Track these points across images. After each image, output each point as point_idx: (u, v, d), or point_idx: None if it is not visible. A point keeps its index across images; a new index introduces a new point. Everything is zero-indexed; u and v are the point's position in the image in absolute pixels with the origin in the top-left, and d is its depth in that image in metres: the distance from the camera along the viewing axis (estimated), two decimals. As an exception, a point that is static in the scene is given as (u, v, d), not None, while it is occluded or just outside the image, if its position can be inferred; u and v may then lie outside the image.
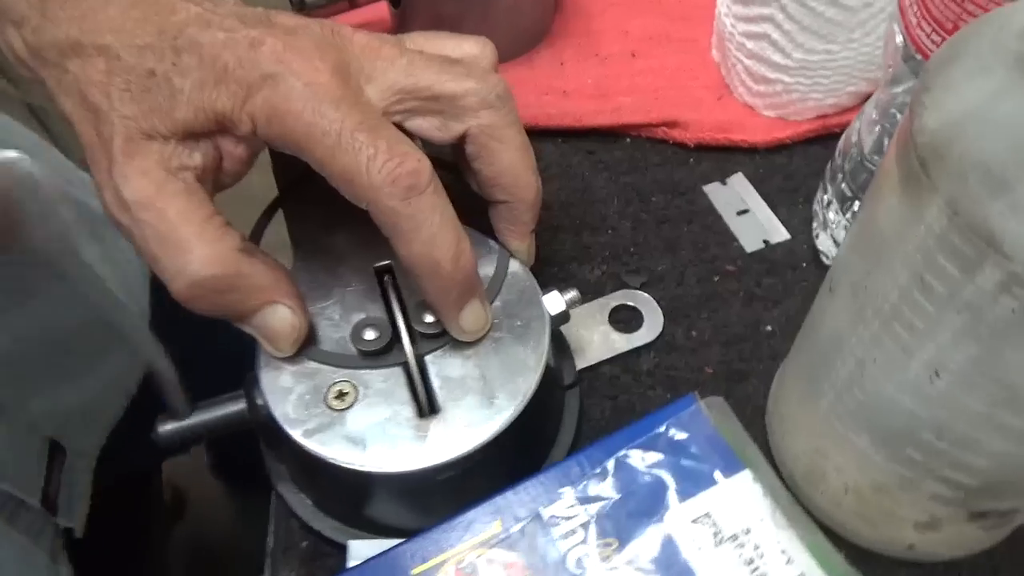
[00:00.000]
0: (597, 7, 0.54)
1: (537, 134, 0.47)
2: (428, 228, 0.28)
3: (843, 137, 0.39)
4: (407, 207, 0.28)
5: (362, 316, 0.32)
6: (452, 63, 0.32)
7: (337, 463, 0.29)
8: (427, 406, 0.30)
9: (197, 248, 0.27)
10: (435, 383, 0.31)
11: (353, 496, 0.32)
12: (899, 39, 0.30)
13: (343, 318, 0.32)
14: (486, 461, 0.31)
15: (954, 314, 0.20)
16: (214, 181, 0.30)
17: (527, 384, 0.31)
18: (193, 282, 0.27)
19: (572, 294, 0.34)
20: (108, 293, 0.38)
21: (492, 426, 0.30)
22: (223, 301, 0.28)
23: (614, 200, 0.45)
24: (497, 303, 0.33)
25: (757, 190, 0.44)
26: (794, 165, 0.46)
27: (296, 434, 0.29)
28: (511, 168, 0.32)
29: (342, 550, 0.32)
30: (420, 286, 0.30)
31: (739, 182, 0.45)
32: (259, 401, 0.30)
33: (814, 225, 0.42)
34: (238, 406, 0.31)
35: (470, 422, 0.30)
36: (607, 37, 0.52)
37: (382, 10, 0.51)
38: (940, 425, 0.23)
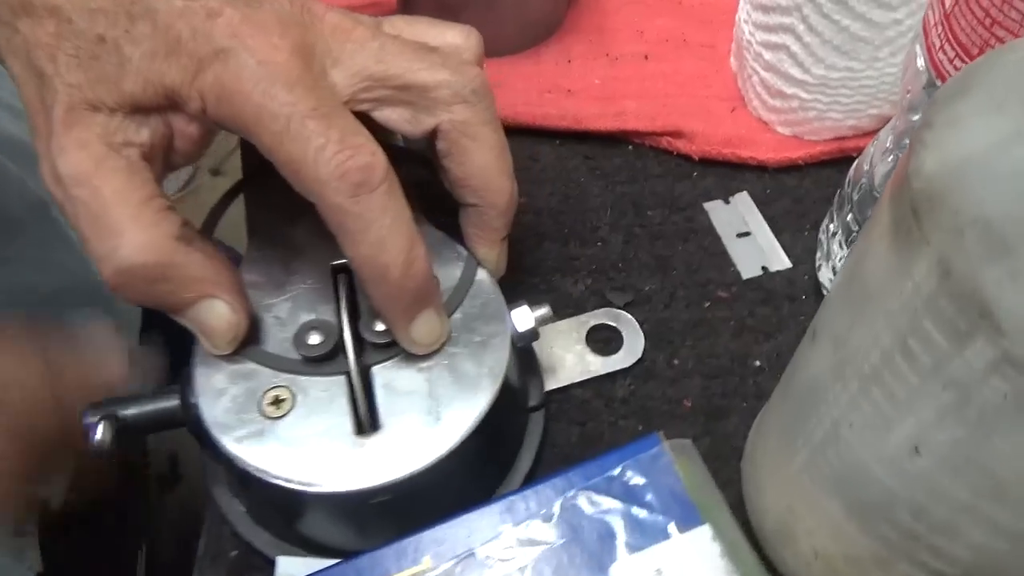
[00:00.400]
0: (613, 4, 0.51)
1: (535, 134, 0.45)
2: (376, 230, 0.26)
3: (855, 163, 0.36)
4: (355, 205, 0.25)
5: (311, 317, 0.30)
6: (428, 51, 0.29)
7: (265, 477, 0.27)
8: (367, 422, 0.28)
9: (129, 232, 0.25)
10: (379, 397, 0.28)
11: (283, 510, 0.30)
12: (920, 62, 0.27)
13: (291, 318, 0.30)
14: (428, 486, 0.29)
15: (938, 389, 0.17)
16: (164, 160, 0.28)
17: (479, 405, 0.28)
18: (120, 269, 0.25)
19: (543, 311, 0.32)
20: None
21: (435, 449, 0.27)
22: (154, 291, 0.26)
23: (608, 210, 0.42)
24: (457, 315, 0.30)
25: (762, 212, 0.41)
26: (804, 188, 0.43)
27: (225, 440, 0.27)
28: (483, 169, 0.30)
29: (271, 564, 0.30)
30: (367, 292, 0.27)
31: (743, 202, 0.42)
32: (192, 400, 0.28)
33: (818, 255, 0.39)
34: (171, 403, 0.29)
35: (412, 443, 0.27)
36: (621, 36, 0.49)
37: (387, -8, 0.49)
38: (918, 507, 0.20)
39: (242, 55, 0.25)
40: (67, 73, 0.26)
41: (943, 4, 0.25)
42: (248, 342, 0.29)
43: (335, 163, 0.25)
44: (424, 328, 0.28)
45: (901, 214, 0.17)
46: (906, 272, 0.17)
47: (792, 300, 0.38)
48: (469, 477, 0.31)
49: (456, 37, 0.31)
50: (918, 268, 0.17)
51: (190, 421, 0.29)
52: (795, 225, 0.41)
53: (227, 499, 0.32)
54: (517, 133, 0.45)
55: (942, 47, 0.26)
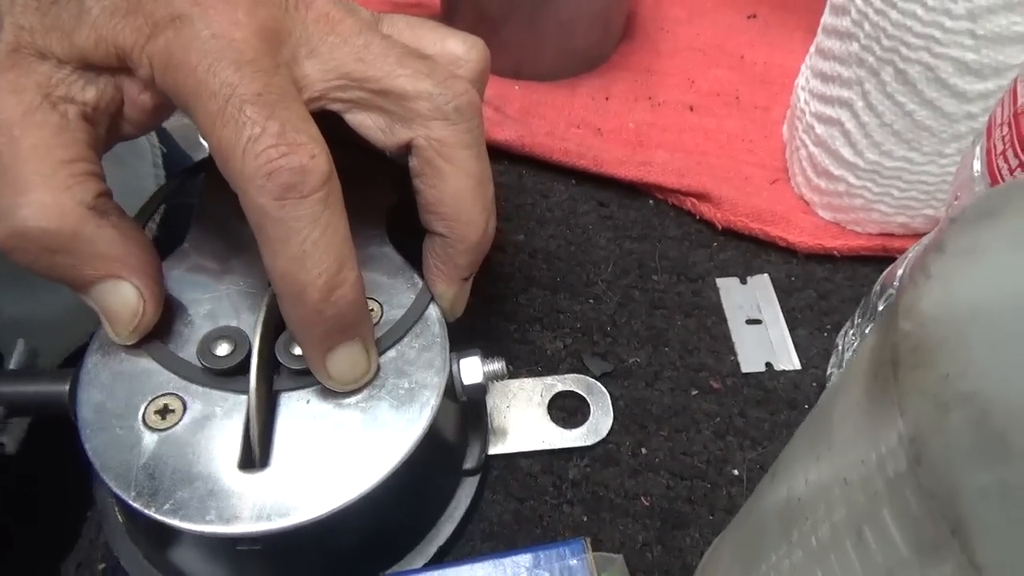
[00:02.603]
0: (669, 46, 0.47)
1: (550, 168, 0.41)
2: (299, 243, 0.22)
3: (889, 268, 0.31)
4: (279, 209, 0.22)
5: (230, 324, 0.27)
6: (416, 57, 0.26)
7: (122, 494, 0.23)
8: (256, 456, 0.24)
9: (36, 192, 0.22)
10: (279, 430, 0.25)
11: (147, 534, 0.27)
12: (976, 165, 0.23)
13: (209, 319, 0.27)
14: (308, 543, 0.25)
15: (891, 602, 0.13)
16: (111, 126, 0.25)
17: (387, 462, 0.24)
18: (15, 231, 0.22)
19: (496, 366, 0.28)
20: None
21: (322, 505, 0.23)
22: (53, 262, 0.23)
23: (610, 266, 0.38)
24: (392, 353, 0.27)
25: (780, 300, 0.37)
26: (834, 283, 0.38)
27: (92, 443, 0.24)
28: (455, 197, 0.26)
29: (135, 587, 0.27)
30: (282, 311, 0.24)
31: (762, 285, 0.37)
32: (74, 390, 0.25)
33: (831, 361, 0.34)
34: (59, 387, 0.26)
35: (299, 491, 0.24)
36: (668, 82, 0.45)
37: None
38: None
39: (197, 24, 0.22)
40: (21, 14, 0.23)
41: (1014, 100, 0.21)
42: (155, 337, 0.26)
43: (264, 158, 0.22)
44: (343, 363, 0.25)
45: (881, 357, 0.13)
46: (873, 438, 0.13)
47: (793, 407, 0.34)
48: (365, 539, 0.27)
49: (456, 46, 0.28)
50: (886, 438, 0.12)
51: (71, 412, 0.26)
52: (815, 322, 0.36)
53: (108, 505, 0.29)
54: (532, 164, 0.42)
55: (1004, 152, 0.21)
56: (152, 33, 0.23)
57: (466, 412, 0.31)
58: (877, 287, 0.31)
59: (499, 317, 0.36)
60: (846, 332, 0.33)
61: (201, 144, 0.30)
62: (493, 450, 0.31)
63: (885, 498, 0.12)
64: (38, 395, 0.26)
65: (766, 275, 0.38)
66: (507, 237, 0.39)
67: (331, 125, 0.24)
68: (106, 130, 0.25)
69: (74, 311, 0.39)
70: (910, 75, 0.31)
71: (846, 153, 0.36)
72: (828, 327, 0.36)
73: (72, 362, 0.27)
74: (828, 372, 0.34)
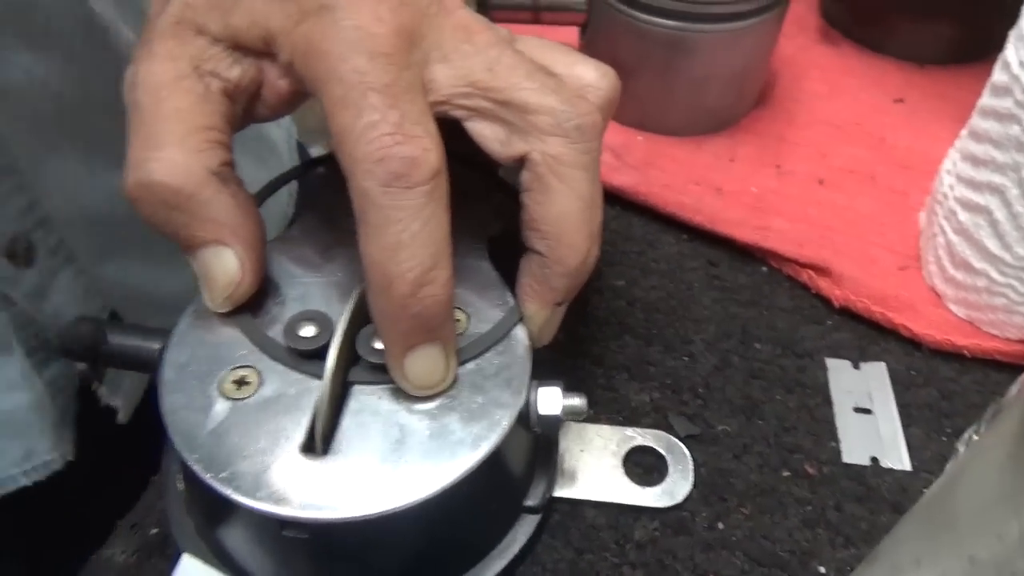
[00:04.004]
0: (804, 117, 0.46)
1: (661, 220, 0.40)
2: (396, 232, 0.22)
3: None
4: (382, 195, 0.22)
5: (319, 310, 0.26)
6: (545, 74, 0.25)
7: (185, 456, 0.23)
8: (319, 443, 0.24)
9: (167, 149, 0.23)
10: (345, 421, 0.24)
11: (201, 502, 0.26)
12: None
13: (300, 303, 0.27)
14: (352, 544, 0.24)
15: None
16: (247, 107, 0.26)
17: (445, 476, 0.23)
18: (144, 182, 0.23)
19: (576, 402, 0.27)
20: None
21: (372, 506, 0.22)
22: (169, 217, 0.24)
23: (711, 326, 0.36)
24: (471, 366, 0.26)
25: (896, 394, 0.34)
26: (961, 384, 0.34)
27: (168, 402, 0.24)
28: (561, 216, 0.25)
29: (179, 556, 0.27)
30: (369, 301, 0.23)
31: (876, 374, 0.34)
32: (163, 349, 0.26)
33: (948, 467, 0.30)
34: (153, 344, 0.27)
35: (354, 488, 0.23)
36: (799, 153, 0.44)
37: (571, 35, 0.47)
38: None
39: (340, 14, 0.23)
40: None
41: None
42: (246, 310, 0.26)
43: (378, 144, 0.22)
44: (421, 365, 0.24)
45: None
46: (1018, 509, 0.11)
47: (896, 511, 0.30)
48: (411, 552, 0.26)
49: (588, 72, 0.27)
50: (1035, 509, 0.10)
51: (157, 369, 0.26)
52: (933, 424, 0.33)
53: (170, 473, 0.29)
54: (644, 214, 0.41)
55: None
56: (299, 20, 0.23)
57: (537, 446, 0.29)
58: (1010, 393, 0.28)
59: (586, 359, 0.34)
60: (970, 438, 0.30)
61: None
62: (558, 492, 0.30)
63: (1026, 581, 0.10)
64: (136, 348, 0.27)
65: (883, 364, 0.34)
66: (607, 281, 0.37)
67: (446, 139, 0.24)
68: (243, 109, 0.26)
69: (173, 290, 0.41)
70: (1078, 165, 0.28)
71: (991, 245, 0.33)
72: (948, 431, 0.32)
73: None
74: (943, 478, 0.30)
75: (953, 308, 0.36)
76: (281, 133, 0.50)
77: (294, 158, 0.53)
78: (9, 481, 0.34)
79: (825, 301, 0.37)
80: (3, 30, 0.27)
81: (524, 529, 0.28)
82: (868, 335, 0.36)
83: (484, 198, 0.31)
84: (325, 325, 0.26)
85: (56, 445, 0.36)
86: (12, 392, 0.32)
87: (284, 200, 0.49)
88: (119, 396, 0.40)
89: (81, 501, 0.39)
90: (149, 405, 0.40)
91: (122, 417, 0.41)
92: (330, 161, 0.33)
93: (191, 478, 0.26)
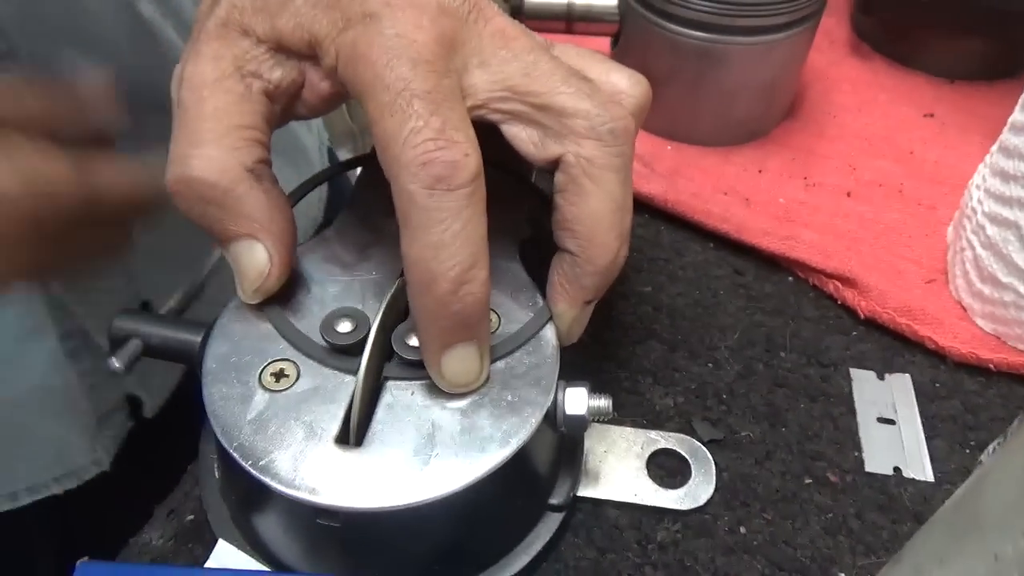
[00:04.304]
0: (833, 131, 0.46)
1: (689, 228, 0.41)
2: (439, 232, 0.23)
3: (1057, 385, 0.28)
4: (426, 197, 0.23)
5: (354, 307, 0.27)
6: (580, 79, 0.26)
7: (226, 443, 0.24)
8: (353, 435, 0.24)
9: (207, 147, 0.25)
10: (378, 415, 0.25)
11: (239, 491, 0.27)
12: None
13: (337, 300, 0.28)
14: (381, 533, 0.25)
15: None
16: (286, 106, 0.27)
17: (474, 470, 0.24)
18: (183, 177, 0.24)
19: (602, 403, 0.27)
20: None
21: (401, 497, 0.23)
22: (205, 212, 0.25)
23: (736, 334, 0.36)
24: (501, 364, 0.26)
25: (920, 405, 0.34)
26: (985, 398, 0.34)
27: (211, 391, 0.25)
28: (593, 217, 0.26)
29: (214, 542, 0.27)
30: (410, 300, 0.24)
31: (901, 385, 0.34)
32: (204, 341, 0.27)
33: (973, 473, 0.30)
34: (194, 337, 0.28)
35: (385, 480, 0.24)
36: (828, 165, 0.44)
37: (602, 44, 0.47)
38: None
39: (384, 22, 0.24)
40: None
41: None
42: (284, 306, 0.27)
43: (422, 148, 0.22)
44: (457, 363, 0.25)
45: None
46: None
47: (918, 521, 0.30)
48: (438, 545, 0.26)
49: (621, 80, 0.28)
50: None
51: (198, 362, 0.27)
52: (957, 436, 0.33)
53: (208, 461, 0.30)
54: (672, 222, 0.41)
55: None
56: (344, 27, 0.24)
57: (562, 445, 0.30)
58: (1039, 404, 0.28)
59: (612, 362, 0.35)
60: (993, 451, 0.30)
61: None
62: (582, 492, 0.30)
63: (1044, 573, 0.11)
64: (175, 340, 0.28)
65: (908, 375, 0.35)
66: (634, 287, 0.38)
67: (480, 144, 0.25)
68: (282, 108, 0.27)
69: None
70: (1108, 182, 0.28)
71: (1019, 259, 0.33)
72: (972, 443, 0.32)
73: None
74: (966, 490, 0.30)
75: (979, 322, 0.36)
76: (312, 138, 0.51)
77: (324, 162, 0.54)
78: (42, 488, 0.34)
79: (850, 312, 0.37)
80: (56, 34, 0.28)
81: (548, 527, 0.29)
82: (893, 347, 0.36)
83: (516, 202, 0.32)
84: (361, 321, 0.26)
85: (91, 451, 0.36)
86: (43, 376, 0.33)
87: (314, 204, 0.50)
88: (146, 390, 0.40)
89: (108, 501, 0.39)
90: (178, 400, 0.41)
91: (148, 411, 0.41)
92: (365, 163, 0.33)
93: (229, 466, 0.27)
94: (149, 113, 0.30)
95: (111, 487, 0.40)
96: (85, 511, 0.39)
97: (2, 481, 0.32)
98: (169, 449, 0.33)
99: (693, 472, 0.31)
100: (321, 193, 0.51)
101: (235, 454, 0.24)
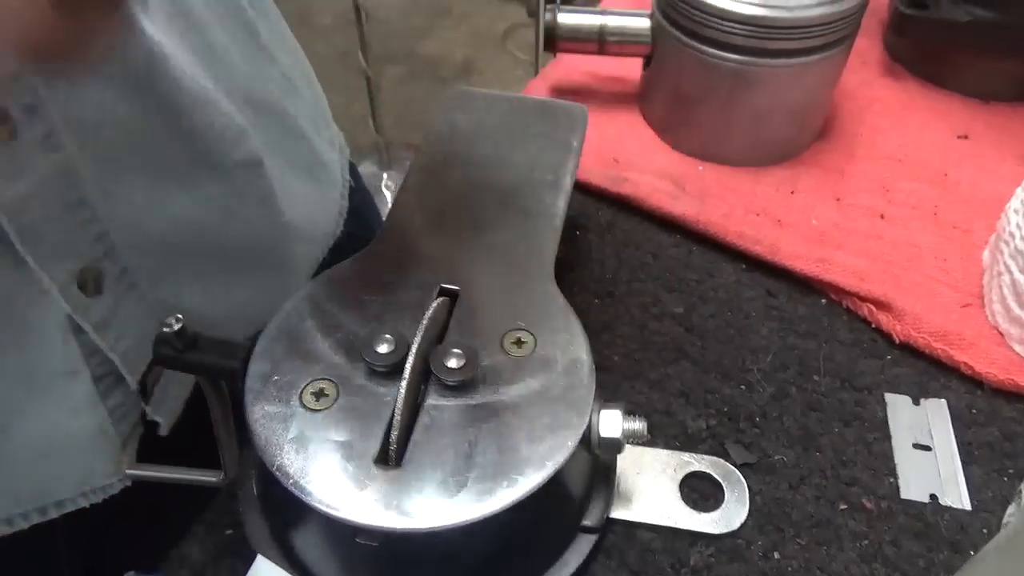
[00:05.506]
0: (865, 152, 0.46)
1: (720, 249, 0.41)
2: None
3: (1100, 415, 0.28)
4: None
5: (393, 328, 0.28)
6: None
7: (267, 459, 0.24)
8: (393, 455, 0.25)
9: None
10: (416, 435, 0.25)
11: (279, 506, 0.28)
12: None
13: (377, 320, 0.28)
14: (419, 554, 0.25)
15: None
16: None
17: (510, 494, 0.24)
18: None
19: (637, 425, 0.27)
20: (277, 213, 0.37)
21: (440, 518, 0.23)
22: None
23: (769, 355, 0.36)
24: (538, 386, 0.27)
25: (956, 432, 0.33)
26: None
27: (252, 409, 0.26)
28: None
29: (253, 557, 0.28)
30: None
31: (937, 411, 0.34)
32: (246, 361, 0.27)
33: (1010, 510, 0.30)
34: (233, 360, 0.28)
35: (424, 499, 0.24)
36: (860, 185, 0.44)
37: (634, 65, 0.48)
38: None
39: None
40: None
41: None
42: (325, 327, 0.28)
43: None
44: None
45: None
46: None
47: (955, 550, 0.30)
48: (473, 565, 0.27)
49: None
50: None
51: (239, 379, 0.27)
52: (994, 463, 0.32)
53: (248, 474, 0.30)
54: (703, 242, 0.41)
55: None
56: None
57: (596, 466, 0.30)
58: (1081, 434, 0.28)
59: (644, 383, 0.35)
60: (1033, 479, 0.30)
61: (382, 191, 0.32)
62: (615, 514, 0.30)
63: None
64: (218, 361, 0.28)
65: (943, 401, 0.34)
66: (666, 308, 0.38)
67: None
68: None
69: (225, 316, 0.42)
70: None
71: (1058, 286, 0.33)
72: (1010, 471, 0.32)
73: None
74: (1005, 519, 0.30)
75: (1017, 348, 0.36)
76: (334, 154, 0.52)
77: (346, 177, 0.54)
78: (69, 503, 0.35)
79: (885, 335, 0.37)
80: (74, 66, 0.29)
81: (581, 548, 0.29)
82: (928, 371, 0.36)
83: (551, 223, 0.32)
84: (400, 342, 0.27)
85: (116, 470, 0.37)
86: (78, 416, 0.34)
87: (332, 217, 0.50)
88: (162, 412, 0.41)
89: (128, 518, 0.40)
90: (188, 418, 0.41)
91: (164, 430, 0.41)
92: (403, 192, 0.34)
93: (269, 483, 0.28)
94: (165, 144, 0.31)
95: (130, 502, 0.40)
96: (106, 526, 0.40)
97: (32, 497, 0.33)
98: (180, 462, 0.34)
99: (727, 496, 0.31)
100: (340, 206, 0.51)
101: (276, 472, 0.24)
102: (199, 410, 0.36)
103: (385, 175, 1.67)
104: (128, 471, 0.32)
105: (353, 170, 0.58)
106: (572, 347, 0.28)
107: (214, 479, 0.30)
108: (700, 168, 0.45)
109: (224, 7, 0.35)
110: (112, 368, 0.35)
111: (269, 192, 0.37)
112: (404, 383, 0.25)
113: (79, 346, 0.32)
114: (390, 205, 0.33)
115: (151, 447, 0.42)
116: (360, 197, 0.54)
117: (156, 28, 0.29)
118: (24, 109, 0.26)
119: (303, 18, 2.05)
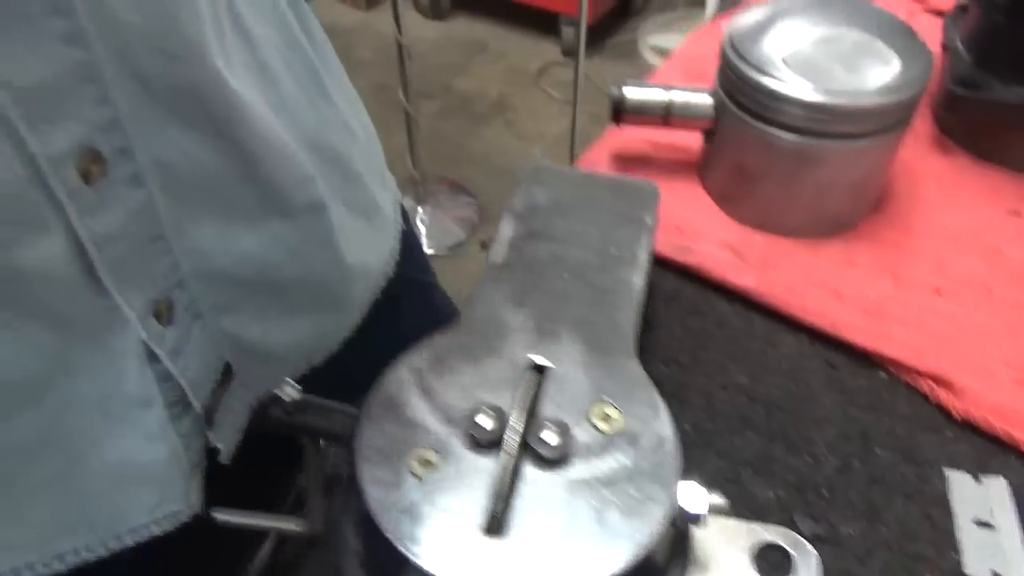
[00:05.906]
0: (920, 226, 0.48)
1: (782, 320, 0.42)
2: None
3: None
4: None
5: (490, 399, 0.30)
6: None
7: (379, 522, 0.26)
8: (498, 523, 0.27)
9: None
10: (517, 505, 0.27)
11: (380, 565, 0.29)
12: None
13: (473, 391, 0.30)
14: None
15: None
16: None
17: (610, 566, 0.26)
18: None
19: (719, 500, 0.29)
20: (337, 254, 0.40)
21: (545, 586, 0.25)
22: None
23: (832, 428, 0.38)
24: (628, 462, 0.28)
25: (1019, 510, 0.35)
26: (1084, 506, 0.35)
27: (363, 476, 0.28)
28: None
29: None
30: None
31: (998, 488, 0.35)
32: (357, 424, 0.29)
33: (1074, 592, 0.31)
34: (341, 428, 0.30)
35: (525, 571, 0.26)
36: (915, 261, 0.45)
37: (696, 138, 0.50)
38: None
39: None
40: None
41: None
42: (427, 397, 0.30)
43: None
44: None
45: None
46: None
47: (1020, 628, 0.31)
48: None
49: None
50: None
51: (349, 445, 0.30)
52: (1056, 543, 0.34)
53: (347, 529, 0.32)
54: (765, 313, 0.43)
55: None
56: None
57: (675, 539, 0.32)
58: None
59: (712, 452, 0.37)
60: (1097, 563, 0.31)
61: (417, 225, 0.33)
62: (691, 582, 0.32)
63: None
64: (324, 426, 0.30)
65: (1003, 479, 0.36)
66: (731, 377, 0.40)
67: None
68: None
69: (305, 341, 0.44)
70: None
71: (1117, 372, 0.34)
72: (1072, 552, 0.33)
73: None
74: (1069, 601, 0.31)
75: (1074, 428, 0.37)
76: (387, 195, 0.54)
77: (398, 219, 0.56)
78: (142, 530, 0.37)
79: (943, 410, 0.38)
80: (170, 116, 0.31)
81: (660, 615, 0.30)
82: (988, 449, 0.37)
83: (632, 298, 0.34)
84: (499, 414, 0.29)
85: (186, 496, 0.39)
86: (152, 444, 0.35)
87: (386, 258, 0.51)
88: (222, 439, 0.43)
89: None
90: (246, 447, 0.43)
91: (224, 458, 0.43)
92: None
93: (375, 541, 0.30)
94: (239, 186, 0.33)
95: (196, 531, 0.42)
96: (173, 556, 0.42)
97: (108, 523, 0.35)
98: (241, 492, 0.35)
99: (799, 567, 0.32)
100: (392, 248, 0.53)
101: (389, 535, 0.26)
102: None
103: (420, 209, 1.70)
104: (217, 516, 0.34)
105: (403, 211, 0.61)
106: (656, 422, 0.29)
107: (299, 528, 0.32)
108: (758, 238, 0.47)
109: (294, 56, 0.37)
110: (181, 396, 0.37)
111: (331, 235, 0.39)
112: (507, 455, 0.27)
113: (153, 374, 0.34)
114: (423, 239, 0.35)
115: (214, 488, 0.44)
116: (409, 238, 0.56)
117: (237, 80, 0.32)
118: (117, 151, 0.29)
119: (342, 52, 2.11)
